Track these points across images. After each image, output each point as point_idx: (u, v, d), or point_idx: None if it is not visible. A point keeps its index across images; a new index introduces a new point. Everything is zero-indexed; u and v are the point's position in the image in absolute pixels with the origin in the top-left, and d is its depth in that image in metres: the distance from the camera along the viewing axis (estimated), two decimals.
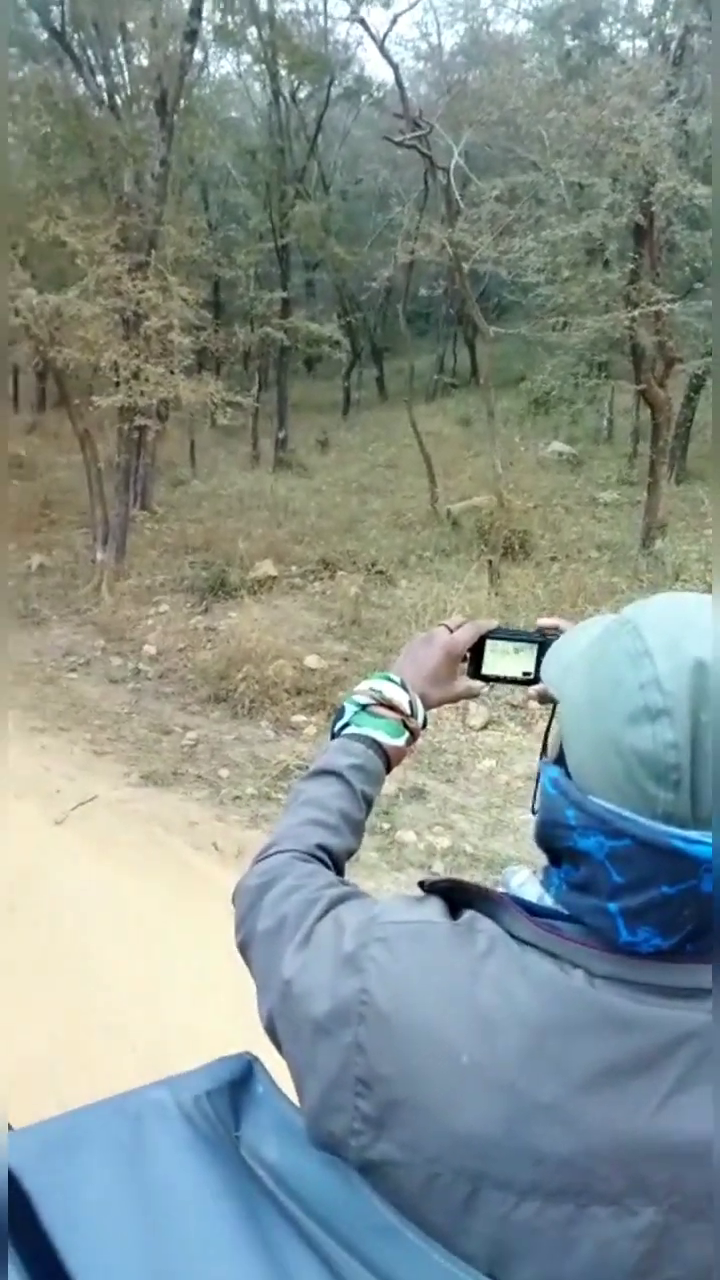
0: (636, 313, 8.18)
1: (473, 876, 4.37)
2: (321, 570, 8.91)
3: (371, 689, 1.06)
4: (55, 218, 8.03)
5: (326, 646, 7.22)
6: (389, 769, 1.04)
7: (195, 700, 6.52)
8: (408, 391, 13.64)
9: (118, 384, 8.17)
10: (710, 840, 0.61)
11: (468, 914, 0.72)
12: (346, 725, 1.04)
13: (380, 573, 8.74)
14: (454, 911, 0.73)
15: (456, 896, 0.74)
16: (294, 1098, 0.74)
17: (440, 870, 4.48)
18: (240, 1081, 0.75)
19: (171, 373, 8.32)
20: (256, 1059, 0.78)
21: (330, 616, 7.84)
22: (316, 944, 0.75)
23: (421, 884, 0.78)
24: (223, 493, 12.49)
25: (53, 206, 8.21)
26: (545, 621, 1.10)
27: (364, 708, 1.05)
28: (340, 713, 1.06)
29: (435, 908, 0.73)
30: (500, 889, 0.75)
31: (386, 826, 4.85)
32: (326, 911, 0.78)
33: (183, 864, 4.52)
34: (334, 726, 1.06)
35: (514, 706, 6.10)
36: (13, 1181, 0.64)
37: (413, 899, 0.76)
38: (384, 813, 4.95)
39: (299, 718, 6.18)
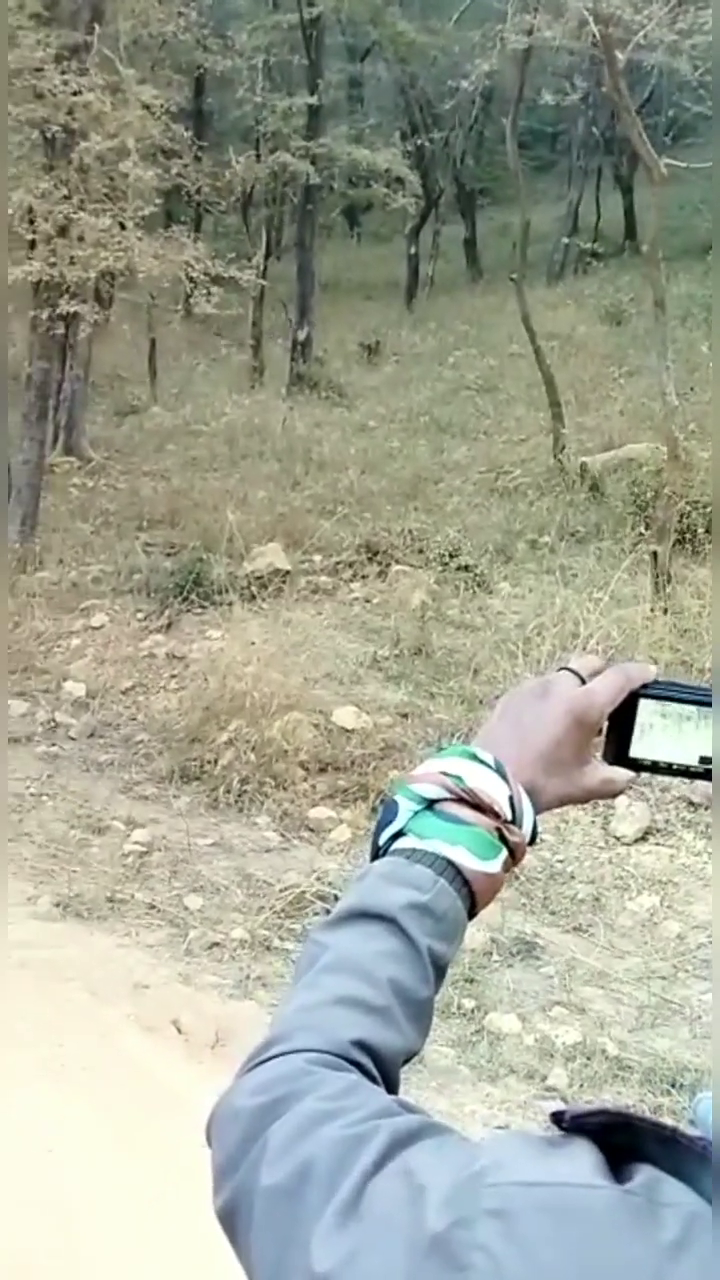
0: None
1: (620, 1096, 4.41)
2: (366, 562, 9.01)
3: (445, 773, 1.06)
4: None
5: (371, 692, 7.24)
6: (474, 911, 1.04)
7: (149, 777, 6.57)
8: (517, 265, 13.68)
9: (33, 244, 8.29)
10: None
11: (643, 1171, 0.71)
12: (400, 834, 1.06)
13: (465, 569, 8.81)
14: (616, 1164, 0.72)
15: (619, 1139, 0.74)
16: None
17: (563, 1085, 4.44)
18: None
19: (123, 227, 8.44)
20: None
21: (379, 641, 7.89)
22: (374, 1216, 0.74)
23: (558, 1117, 0.77)
24: (202, 428, 12.67)
25: None
26: None
27: (431, 804, 1.06)
28: (389, 811, 1.06)
29: (585, 1159, 0.73)
30: (692, 1128, 0.74)
31: (470, 1005, 4.86)
32: (386, 1158, 0.77)
33: (122, 1058, 4.51)
34: (378, 836, 1.08)
35: (692, 805, 6.11)
36: None
37: (543, 1141, 0.76)
38: (466, 981, 4.96)
39: (323, 812, 6.21)
